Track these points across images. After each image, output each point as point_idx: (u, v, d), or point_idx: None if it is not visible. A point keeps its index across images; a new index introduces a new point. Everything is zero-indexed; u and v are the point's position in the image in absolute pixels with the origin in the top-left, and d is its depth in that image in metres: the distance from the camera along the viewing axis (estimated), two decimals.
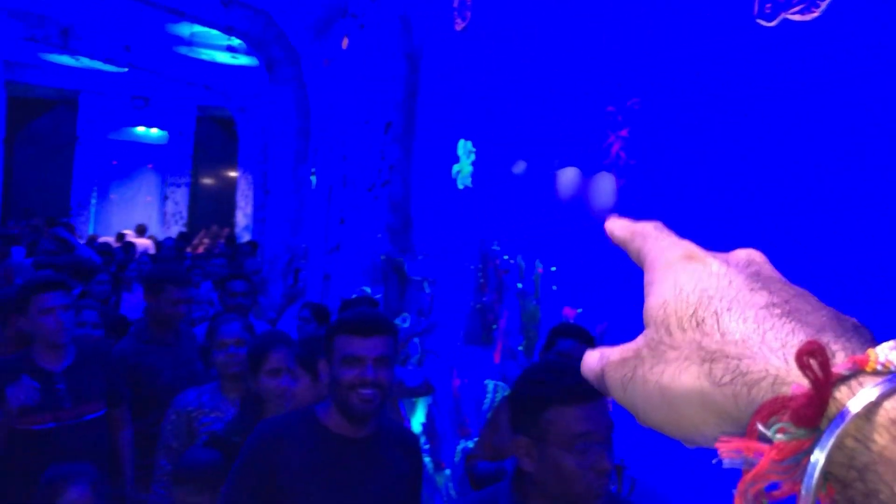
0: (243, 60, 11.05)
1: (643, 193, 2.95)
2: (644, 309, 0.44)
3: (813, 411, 0.35)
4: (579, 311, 3.29)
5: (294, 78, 9.31)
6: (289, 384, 2.41)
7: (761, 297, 0.40)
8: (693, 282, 0.42)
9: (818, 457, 0.35)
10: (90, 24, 10.37)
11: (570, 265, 3.57)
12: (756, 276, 0.42)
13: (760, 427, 0.36)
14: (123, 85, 14.07)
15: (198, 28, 9.71)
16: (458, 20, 4.67)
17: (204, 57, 11.43)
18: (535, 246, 3.70)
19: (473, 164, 4.28)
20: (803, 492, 0.35)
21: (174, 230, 15.00)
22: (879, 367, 0.35)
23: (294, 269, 8.98)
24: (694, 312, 0.41)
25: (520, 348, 3.54)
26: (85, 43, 10.81)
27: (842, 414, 0.35)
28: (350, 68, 6.64)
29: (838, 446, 0.35)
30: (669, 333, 0.41)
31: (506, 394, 3.64)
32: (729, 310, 0.40)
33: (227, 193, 15.33)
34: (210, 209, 15.62)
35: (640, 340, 0.43)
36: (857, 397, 0.35)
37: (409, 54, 5.42)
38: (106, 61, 11.48)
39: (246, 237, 12.98)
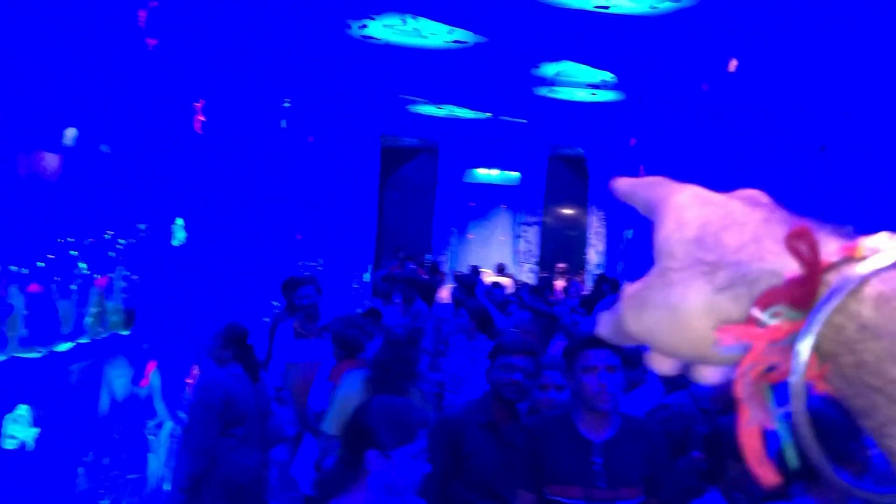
0: (604, 97, 10.82)
1: None
2: (654, 246, 0.45)
3: (804, 292, 0.37)
4: None
5: (665, 109, 8.85)
6: None
7: (759, 215, 0.42)
8: (695, 212, 0.44)
9: (809, 332, 0.36)
10: (459, 74, 10.84)
11: None
12: (756, 204, 0.43)
13: (757, 313, 0.38)
14: (479, 129, 14.69)
15: (563, 66, 9.64)
16: None
17: (562, 97, 11.41)
18: None
19: None
20: (795, 366, 0.37)
21: (526, 268, 15.32)
22: (868, 253, 0.37)
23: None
24: (695, 236, 0.43)
25: None
26: (454, 93, 11.36)
27: (831, 292, 0.36)
28: (758, 88, 5.98)
29: (828, 323, 0.37)
30: (674, 259, 0.43)
31: None
32: (727, 228, 0.42)
33: (577, 232, 15.32)
34: (560, 248, 15.71)
35: (650, 273, 0.44)
36: (844, 277, 0.37)
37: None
38: (470, 109, 12.00)
39: None
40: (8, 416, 3.63)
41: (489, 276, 12.88)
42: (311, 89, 8.57)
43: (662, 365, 0.45)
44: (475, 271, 13.10)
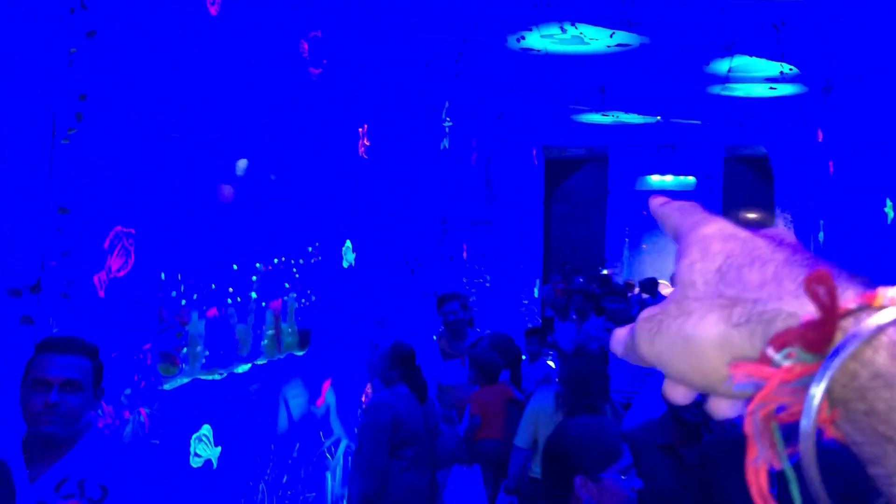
0: (784, 90, 10.09)
1: None
2: (674, 272, 0.47)
3: (820, 336, 0.38)
4: None
5: (855, 98, 8.07)
6: None
7: (782, 255, 0.43)
8: (720, 245, 0.45)
9: (823, 376, 0.37)
10: (624, 78, 10.53)
11: None
12: (781, 243, 0.44)
13: (771, 353, 0.39)
14: (650, 135, 14.20)
15: (737, 62, 9.08)
16: None
17: (737, 93, 10.77)
18: None
19: None
20: (806, 409, 0.37)
21: None
22: (886, 303, 0.38)
23: None
24: (718, 268, 0.44)
25: None
26: (620, 99, 11.03)
27: (847, 338, 0.37)
28: None
29: (842, 369, 0.37)
30: (695, 288, 0.44)
31: None
32: (751, 264, 0.43)
33: None
34: None
35: (667, 299, 0.46)
36: (861, 323, 0.37)
37: None
38: (639, 114, 11.61)
39: None
40: (194, 436, 3.81)
41: (667, 289, 12.32)
42: (471, 107, 8.60)
43: (675, 394, 0.47)
44: (653, 283, 12.53)
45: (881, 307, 0.37)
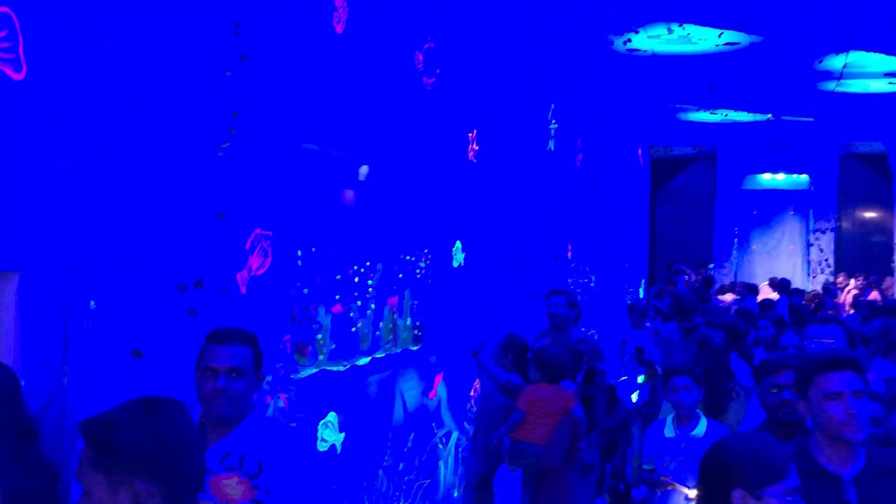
0: None
1: None
2: None
3: None
4: None
5: None
6: None
7: None
8: None
9: None
10: (734, 76, 10.34)
11: None
12: None
13: None
14: (760, 133, 13.85)
15: (853, 58, 8.81)
16: None
17: (853, 90, 10.41)
18: None
19: None
20: None
21: (820, 280, 14.06)
22: None
23: None
24: None
25: None
26: (729, 96, 10.85)
27: None
28: None
29: None
30: None
31: None
32: None
33: (879, 237, 13.78)
34: (859, 255, 14.24)
35: None
36: None
37: None
38: (749, 111, 11.37)
39: None
40: (321, 422, 4.11)
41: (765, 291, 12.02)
42: (577, 109, 8.70)
43: None
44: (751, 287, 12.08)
45: None
